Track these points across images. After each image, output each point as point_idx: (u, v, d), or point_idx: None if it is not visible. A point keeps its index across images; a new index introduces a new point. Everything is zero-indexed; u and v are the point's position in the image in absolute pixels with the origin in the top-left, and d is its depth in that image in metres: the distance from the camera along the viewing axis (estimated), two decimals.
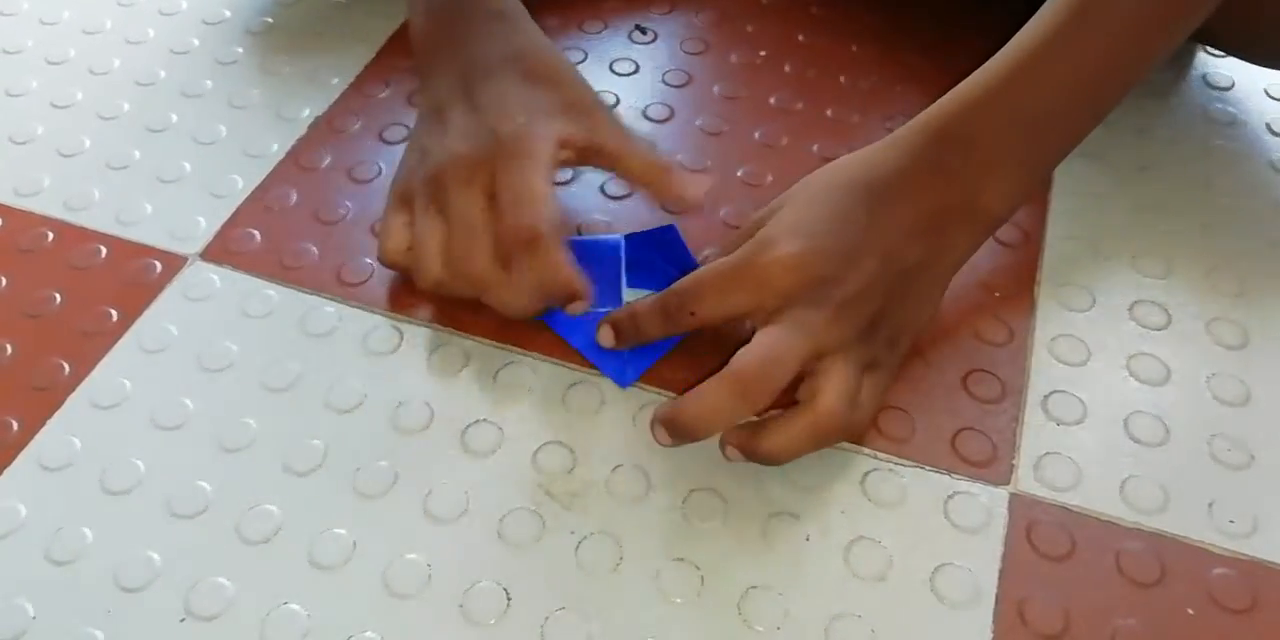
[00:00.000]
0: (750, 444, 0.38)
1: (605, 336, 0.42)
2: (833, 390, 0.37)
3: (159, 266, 0.49)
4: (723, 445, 0.39)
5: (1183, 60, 0.60)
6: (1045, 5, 0.41)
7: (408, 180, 0.45)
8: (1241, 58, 0.56)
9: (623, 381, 0.43)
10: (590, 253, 0.44)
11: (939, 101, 0.41)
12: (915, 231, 0.39)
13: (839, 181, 0.41)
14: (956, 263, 0.42)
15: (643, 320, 0.41)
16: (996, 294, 0.47)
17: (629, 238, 0.46)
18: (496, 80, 0.45)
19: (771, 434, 0.37)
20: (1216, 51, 0.60)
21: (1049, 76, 0.40)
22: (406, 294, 0.47)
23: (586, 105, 0.45)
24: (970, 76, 0.41)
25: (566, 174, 0.53)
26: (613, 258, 0.46)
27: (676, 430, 0.38)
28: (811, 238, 0.38)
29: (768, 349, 0.36)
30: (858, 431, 0.41)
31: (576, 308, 0.41)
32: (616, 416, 0.43)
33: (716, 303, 0.39)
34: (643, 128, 0.55)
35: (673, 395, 0.43)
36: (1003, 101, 0.40)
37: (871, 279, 0.38)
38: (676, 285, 0.40)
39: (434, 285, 0.43)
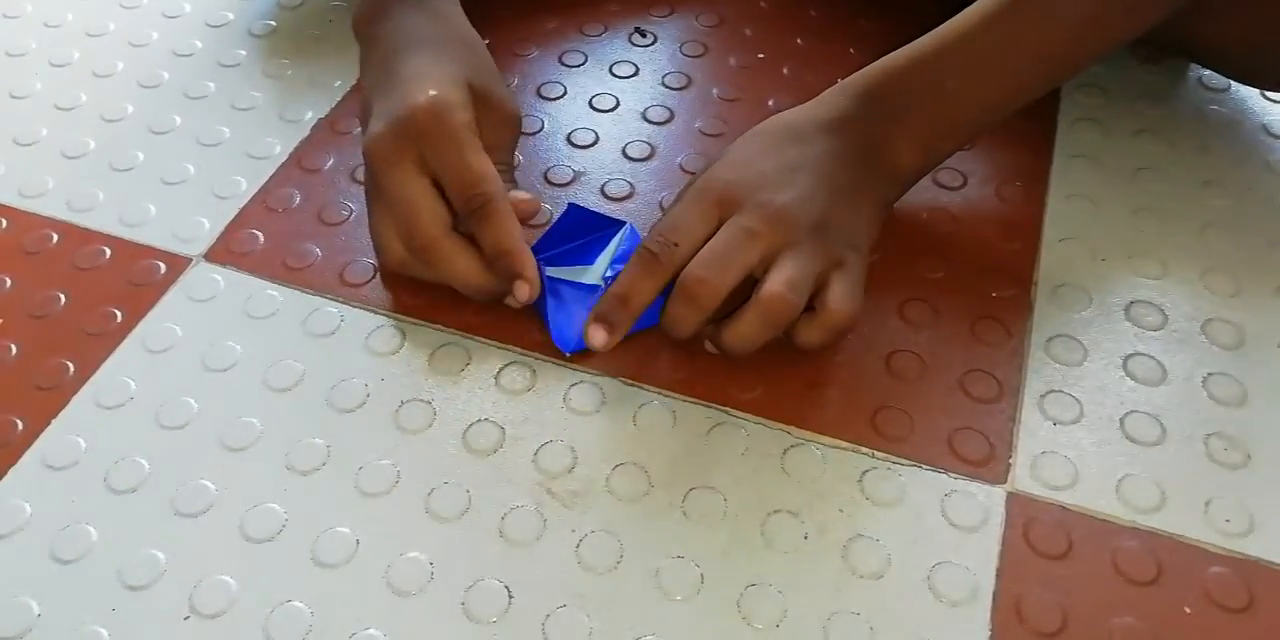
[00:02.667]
0: (716, 337, 0.42)
1: (596, 336, 0.41)
2: (773, 279, 0.40)
3: (163, 267, 0.49)
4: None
5: (1179, 63, 0.60)
6: None
7: (366, 180, 0.46)
8: (1247, 84, 0.57)
9: (566, 348, 0.44)
10: (589, 219, 0.48)
11: (865, 68, 0.45)
12: (841, 162, 0.44)
13: (770, 128, 0.45)
14: (885, 201, 0.46)
15: (633, 285, 0.41)
16: (994, 294, 0.47)
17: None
18: (408, 58, 0.45)
19: (730, 326, 0.41)
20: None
21: (966, 58, 0.44)
22: (409, 294, 0.47)
23: (496, 104, 0.47)
24: (901, 48, 0.45)
25: (567, 175, 0.53)
26: (610, 231, 0.49)
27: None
28: (752, 163, 0.43)
29: (709, 255, 0.40)
30: (841, 325, 0.41)
31: (521, 290, 0.43)
32: (617, 416, 0.43)
33: (690, 229, 0.41)
34: (643, 130, 0.56)
35: (673, 395, 0.44)
36: (924, 70, 0.44)
37: (810, 189, 0.42)
38: (653, 230, 0.42)
39: (399, 265, 0.45)
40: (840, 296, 0.41)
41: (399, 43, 0.47)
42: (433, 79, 0.44)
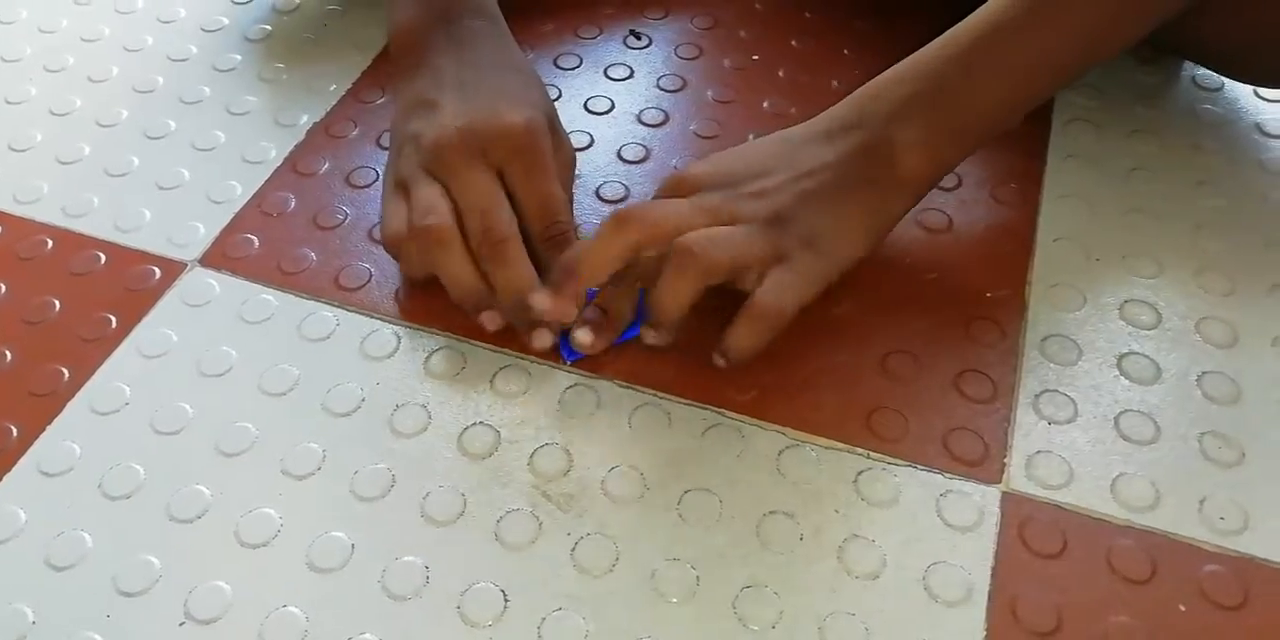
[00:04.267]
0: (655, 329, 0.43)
1: (584, 337, 0.43)
2: (691, 234, 0.40)
3: (158, 273, 0.49)
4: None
5: (1172, 63, 0.60)
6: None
7: (401, 164, 0.46)
8: (1243, 81, 0.56)
9: (569, 358, 0.45)
10: None
11: (869, 81, 0.45)
12: (831, 167, 0.43)
13: (766, 137, 0.46)
14: (888, 212, 0.44)
15: (612, 293, 0.44)
16: (988, 294, 0.47)
17: None
18: (494, 74, 0.47)
19: (654, 289, 0.41)
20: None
21: (971, 65, 0.43)
22: (405, 299, 0.47)
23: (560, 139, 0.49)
24: (908, 57, 0.44)
25: None
26: None
27: (562, 275, 0.42)
28: (726, 157, 0.45)
29: (654, 211, 0.41)
30: (763, 316, 0.40)
31: (567, 310, 0.43)
32: (612, 419, 0.43)
33: (658, 216, 0.41)
34: (638, 132, 0.56)
35: (668, 397, 0.44)
36: (928, 77, 0.43)
37: (779, 183, 0.42)
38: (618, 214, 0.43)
39: (443, 246, 0.43)
40: (767, 289, 0.40)
41: (473, 58, 0.48)
42: (523, 102, 0.46)
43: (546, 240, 0.45)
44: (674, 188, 0.43)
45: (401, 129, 0.47)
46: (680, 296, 0.40)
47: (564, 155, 0.49)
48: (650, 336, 0.43)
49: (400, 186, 0.46)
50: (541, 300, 0.42)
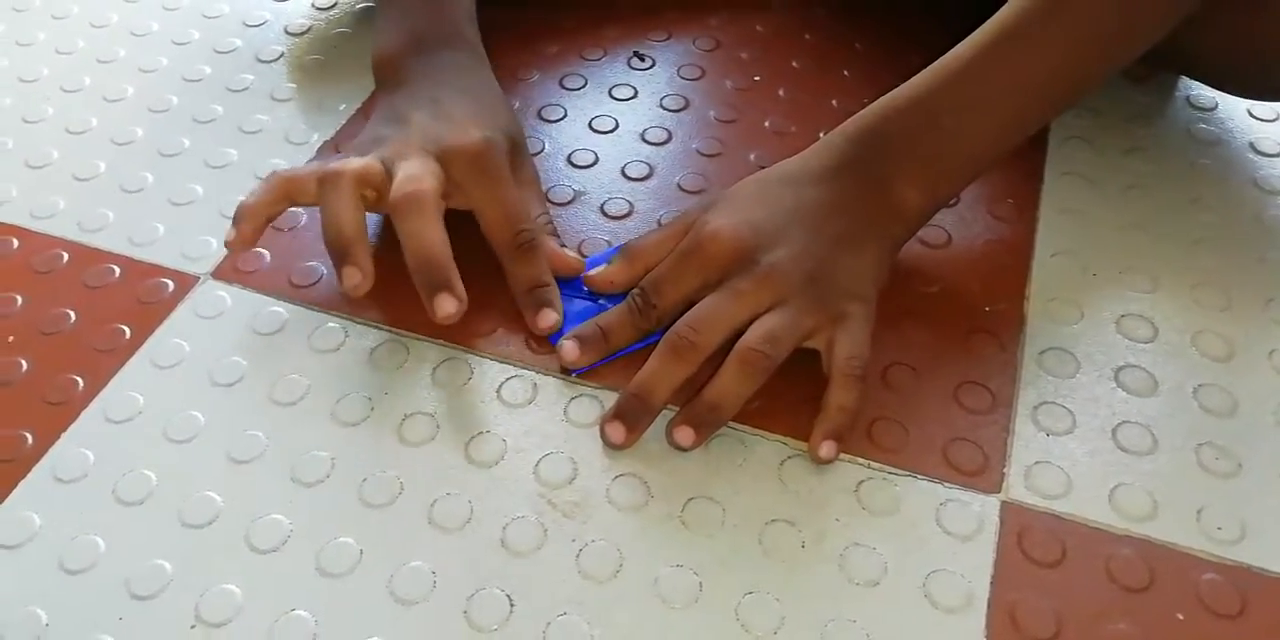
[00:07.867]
0: (691, 401, 0.42)
1: (569, 351, 0.45)
2: (750, 332, 0.41)
3: (171, 285, 0.50)
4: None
5: (1167, 83, 0.61)
6: (986, 23, 0.44)
7: (357, 152, 0.47)
8: (1238, 94, 0.57)
9: (576, 371, 0.45)
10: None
11: (862, 110, 0.46)
12: (838, 209, 0.44)
13: (768, 177, 0.46)
14: (893, 243, 0.45)
15: (613, 326, 0.45)
16: (987, 308, 0.48)
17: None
18: (464, 97, 0.49)
19: (712, 382, 0.42)
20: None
21: (963, 95, 0.43)
22: (413, 310, 0.48)
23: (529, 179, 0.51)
24: (899, 87, 0.45)
25: (567, 195, 0.54)
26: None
27: (633, 403, 0.42)
28: (743, 216, 0.44)
29: (696, 315, 0.42)
30: (854, 373, 0.41)
31: (548, 319, 0.46)
32: None
33: (671, 289, 0.44)
34: (641, 151, 0.57)
35: (672, 408, 0.44)
36: (920, 109, 0.44)
37: (801, 246, 0.43)
38: (642, 283, 0.45)
39: (336, 184, 0.43)
40: (845, 353, 0.41)
41: (446, 81, 0.49)
42: (487, 124, 0.47)
43: (515, 249, 0.45)
44: (707, 249, 0.43)
45: (369, 130, 0.48)
46: (743, 396, 0.41)
47: (526, 176, 0.50)
48: (688, 437, 0.42)
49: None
50: (617, 435, 0.42)
